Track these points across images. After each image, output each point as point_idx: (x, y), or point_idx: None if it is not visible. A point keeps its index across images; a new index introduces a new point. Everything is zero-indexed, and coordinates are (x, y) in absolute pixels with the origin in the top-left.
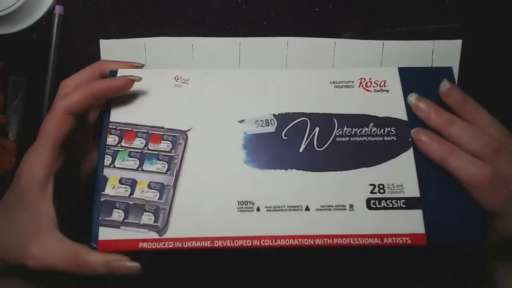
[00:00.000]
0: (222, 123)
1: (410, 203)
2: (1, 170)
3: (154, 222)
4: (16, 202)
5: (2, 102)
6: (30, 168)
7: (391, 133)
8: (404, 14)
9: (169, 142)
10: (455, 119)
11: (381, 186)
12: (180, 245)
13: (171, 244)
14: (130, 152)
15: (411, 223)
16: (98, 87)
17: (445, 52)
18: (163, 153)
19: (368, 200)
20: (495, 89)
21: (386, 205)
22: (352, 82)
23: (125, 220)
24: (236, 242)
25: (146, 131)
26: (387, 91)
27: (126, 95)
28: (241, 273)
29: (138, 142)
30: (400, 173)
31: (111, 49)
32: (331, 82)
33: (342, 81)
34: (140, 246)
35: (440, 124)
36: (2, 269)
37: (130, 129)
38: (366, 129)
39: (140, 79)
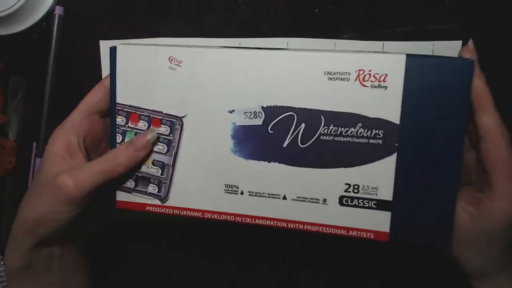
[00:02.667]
0: (214, 111)
1: (381, 205)
2: (1, 170)
3: (158, 192)
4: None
5: (2, 102)
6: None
7: (378, 136)
8: (404, 14)
9: (167, 127)
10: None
11: (356, 187)
12: (178, 212)
13: (170, 211)
14: (136, 132)
15: (377, 221)
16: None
17: (445, 53)
18: (163, 136)
19: (341, 197)
20: (495, 89)
21: (357, 204)
22: (349, 75)
23: (135, 188)
24: (222, 217)
25: (148, 114)
26: (385, 87)
27: (127, 77)
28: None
29: (142, 125)
30: (378, 176)
31: None
32: (326, 73)
33: (337, 72)
34: (147, 208)
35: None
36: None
37: (134, 111)
38: (353, 129)
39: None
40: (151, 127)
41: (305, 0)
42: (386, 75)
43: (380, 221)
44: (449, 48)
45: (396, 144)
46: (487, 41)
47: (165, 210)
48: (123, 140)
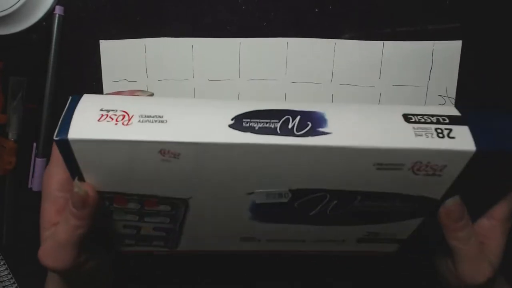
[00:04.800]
0: (227, 195)
1: (395, 241)
2: (1, 170)
3: (164, 245)
4: None
5: (2, 102)
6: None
7: (413, 207)
8: (404, 14)
9: (167, 206)
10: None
11: (376, 234)
12: (189, 252)
13: (181, 253)
14: (126, 211)
15: (388, 248)
16: None
17: (445, 53)
18: (163, 212)
19: (359, 239)
20: (495, 90)
21: (373, 242)
22: (403, 166)
23: (137, 244)
24: (238, 252)
25: (138, 198)
26: (440, 175)
27: (96, 171)
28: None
29: (133, 205)
30: (400, 228)
31: (111, 49)
32: (375, 164)
33: (390, 164)
34: (155, 253)
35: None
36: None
37: (119, 195)
38: (391, 203)
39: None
40: (145, 207)
41: (305, 0)
42: (445, 166)
43: (391, 248)
44: (449, 48)
45: (428, 211)
46: (487, 41)
47: (175, 253)
48: (110, 216)
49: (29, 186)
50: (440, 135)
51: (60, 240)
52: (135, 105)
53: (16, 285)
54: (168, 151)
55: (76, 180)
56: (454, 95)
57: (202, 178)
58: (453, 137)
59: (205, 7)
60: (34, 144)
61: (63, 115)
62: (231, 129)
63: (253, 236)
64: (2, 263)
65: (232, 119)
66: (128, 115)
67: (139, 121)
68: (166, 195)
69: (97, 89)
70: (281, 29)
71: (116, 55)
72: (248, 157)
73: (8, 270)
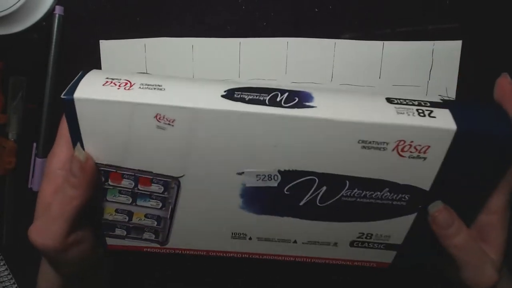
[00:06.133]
0: (218, 173)
1: (389, 247)
2: (1, 170)
3: (155, 238)
4: None
5: (2, 102)
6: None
7: (402, 199)
8: (404, 14)
9: (160, 186)
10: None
11: (369, 235)
12: (180, 252)
13: (172, 251)
14: (120, 190)
15: (382, 257)
16: None
17: (445, 53)
18: (155, 194)
19: (352, 242)
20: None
21: (367, 246)
22: (387, 144)
23: (128, 236)
24: (228, 254)
25: (133, 174)
26: (424, 158)
27: (95, 137)
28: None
29: (127, 183)
30: (393, 228)
31: (111, 49)
32: (360, 141)
33: (374, 142)
34: (145, 250)
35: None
36: None
37: (114, 170)
38: (378, 193)
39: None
40: (139, 185)
41: (305, 0)
42: (429, 147)
43: (385, 256)
44: (449, 48)
45: (420, 206)
46: (487, 41)
47: (165, 251)
48: (104, 196)
49: (29, 186)
50: (422, 114)
51: (52, 213)
52: (137, 77)
53: (16, 285)
54: (163, 117)
55: (78, 145)
56: (454, 95)
57: (195, 153)
58: (434, 117)
59: (205, 7)
60: (34, 144)
61: (72, 82)
62: (223, 99)
63: (244, 232)
64: (2, 263)
65: (225, 91)
66: (130, 83)
67: (140, 87)
68: (160, 172)
69: None
70: (281, 29)
71: (116, 55)
72: (238, 128)
73: (8, 270)
